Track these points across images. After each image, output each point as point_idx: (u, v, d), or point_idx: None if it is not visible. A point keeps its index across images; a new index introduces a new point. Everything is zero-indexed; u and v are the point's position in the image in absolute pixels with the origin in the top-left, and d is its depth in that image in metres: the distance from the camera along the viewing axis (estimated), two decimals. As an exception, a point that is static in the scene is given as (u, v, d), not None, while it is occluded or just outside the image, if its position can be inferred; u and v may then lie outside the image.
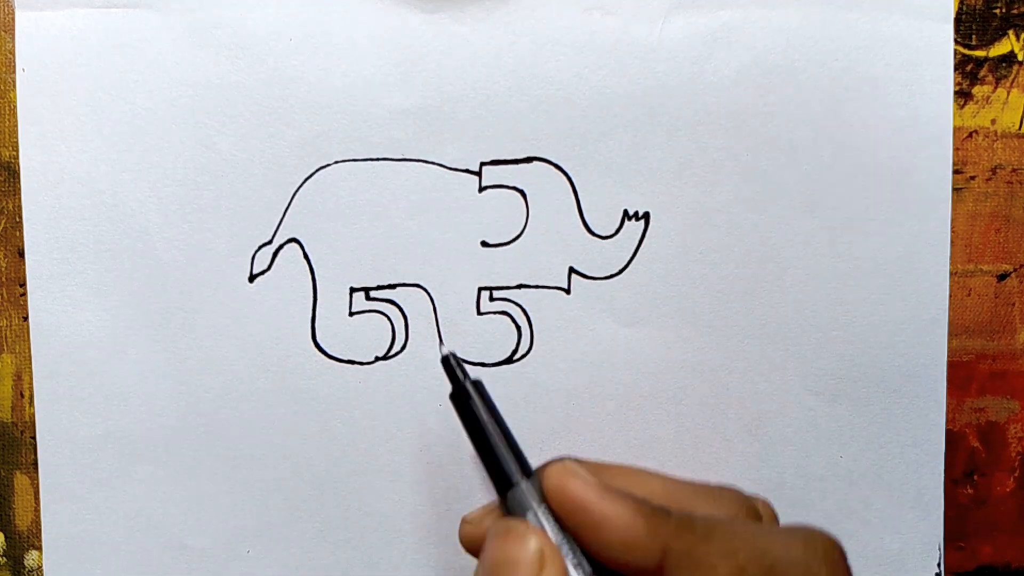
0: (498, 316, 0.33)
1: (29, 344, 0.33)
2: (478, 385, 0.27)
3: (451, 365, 0.27)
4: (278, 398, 0.33)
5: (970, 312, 0.34)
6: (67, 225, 0.33)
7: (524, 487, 0.25)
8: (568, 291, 0.33)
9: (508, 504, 0.26)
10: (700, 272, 0.33)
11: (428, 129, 0.33)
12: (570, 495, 0.24)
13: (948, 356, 0.34)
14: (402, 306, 0.33)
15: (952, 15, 0.33)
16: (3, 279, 0.34)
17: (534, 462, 0.31)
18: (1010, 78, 0.34)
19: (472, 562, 0.34)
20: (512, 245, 0.33)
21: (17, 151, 0.33)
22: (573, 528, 0.24)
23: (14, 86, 0.33)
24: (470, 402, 0.26)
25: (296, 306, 0.33)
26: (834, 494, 0.34)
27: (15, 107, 0.33)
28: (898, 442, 0.34)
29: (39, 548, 0.34)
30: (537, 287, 0.33)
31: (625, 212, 0.33)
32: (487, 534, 0.25)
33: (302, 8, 0.32)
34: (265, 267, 0.33)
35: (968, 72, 0.33)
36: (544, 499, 0.25)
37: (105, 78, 0.33)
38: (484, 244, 0.33)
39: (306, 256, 0.33)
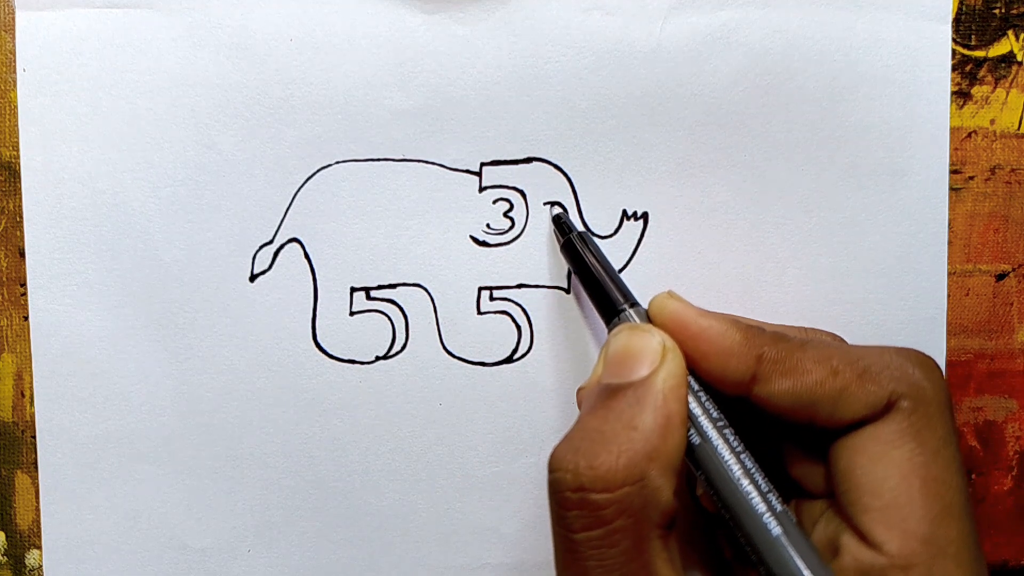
0: (498, 316, 0.33)
1: (29, 344, 0.33)
2: (584, 235, 0.31)
3: (560, 221, 0.32)
4: (278, 398, 0.33)
5: (968, 312, 0.34)
6: (67, 225, 0.33)
7: (631, 312, 0.28)
8: (568, 291, 0.33)
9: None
10: (699, 272, 0.33)
11: (428, 129, 0.33)
12: (672, 313, 0.26)
13: (946, 355, 0.34)
14: (402, 306, 0.33)
15: (950, 16, 0.33)
16: (3, 279, 0.34)
17: (535, 461, 0.31)
18: (1009, 78, 0.34)
19: (471, 561, 0.34)
20: (512, 245, 0.33)
21: (17, 151, 0.33)
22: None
23: (14, 86, 0.33)
24: (578, 248, 0.31)
25: (297, 306, 0.33)
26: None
27: (15, 107, 0.33)
28: (896, 441, 0.34)
29: (39, 547, 0.34)
30: (537, 287, 0.33)
31: (624, 212, 0.33)
32: (608, 339, 0.26)
33: (302, 8, 0.32)
34: (266, 267, 0.33)
35: (967, 72, 0.33)
36: (649, 321, 0.27)
37: (105, 78, 0.33)
38: (484, 244, 0.33)
39: (307, 256, 0.33)
